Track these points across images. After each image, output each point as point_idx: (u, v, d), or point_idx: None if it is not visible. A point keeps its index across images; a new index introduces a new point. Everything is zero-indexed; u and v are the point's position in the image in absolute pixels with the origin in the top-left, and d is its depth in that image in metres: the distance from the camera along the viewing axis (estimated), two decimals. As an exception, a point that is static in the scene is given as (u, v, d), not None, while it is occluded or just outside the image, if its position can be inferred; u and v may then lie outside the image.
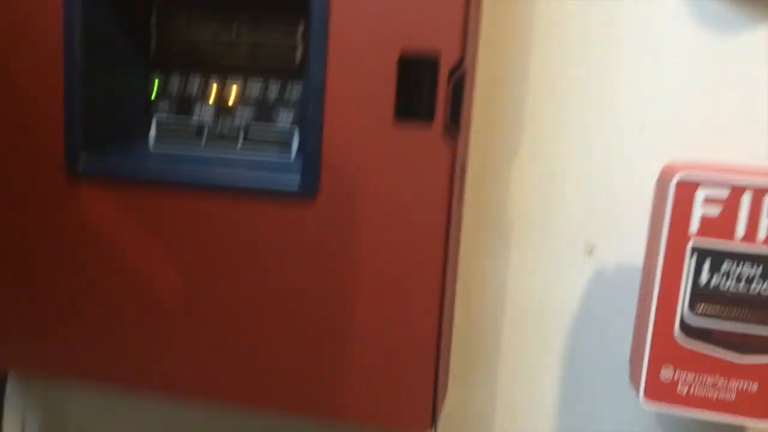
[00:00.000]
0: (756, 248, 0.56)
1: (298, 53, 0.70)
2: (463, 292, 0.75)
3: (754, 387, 0.57)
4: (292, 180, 0.65)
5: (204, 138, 0.73)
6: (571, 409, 0.75)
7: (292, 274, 0.66)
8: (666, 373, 0.58)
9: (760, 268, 0.56)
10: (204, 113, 0.73)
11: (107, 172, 0.68)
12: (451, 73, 0.60)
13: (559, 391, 0.75)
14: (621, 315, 0.71)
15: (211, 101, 0.72)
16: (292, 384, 0.68)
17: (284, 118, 0.71)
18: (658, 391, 0.59)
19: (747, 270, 0.56)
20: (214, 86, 0.72)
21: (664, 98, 0.68)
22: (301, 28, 0.69)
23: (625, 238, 0.70)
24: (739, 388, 0.57)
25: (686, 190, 0.56)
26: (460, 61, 0.60)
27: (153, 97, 0.73)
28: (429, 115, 0.61)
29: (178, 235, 0.68)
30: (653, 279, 0.58)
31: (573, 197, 0.71)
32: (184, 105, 0.73)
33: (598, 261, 0.71)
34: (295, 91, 0.71)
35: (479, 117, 0.72)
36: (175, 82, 0.73)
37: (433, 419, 0.67)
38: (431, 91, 0.61)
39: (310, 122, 0.64)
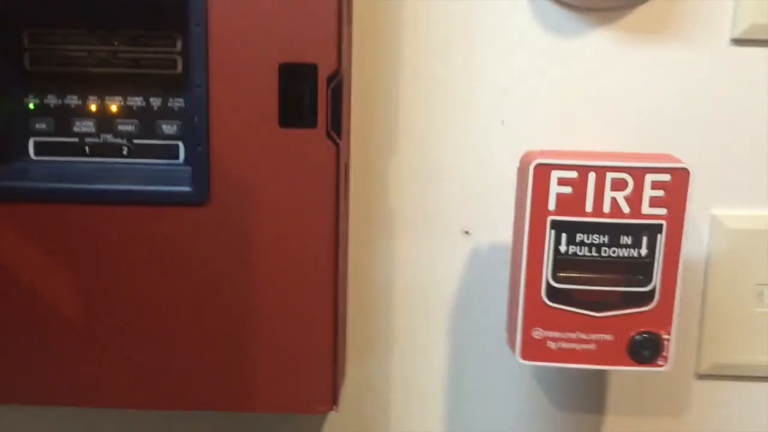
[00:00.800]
0: (602, 219, 0.65)
1: (178, 66, 0.71)
2: (355, 280, 0.80)
3: (609, 337, 0.67)
4: (182, 187, 0.67)
5: (87, 150, 0.73)
6: (460, 375, 0.83)
7: (191, 277, 0.68)
8: (537, 333, 0.67)
9: (607, 236, 0.65)
10: (84, 127, 0.73)
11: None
12: (329, 81, 0.65)
13: (449, 361, 0.82)
14: (495, 287, 0.79)
15: (90, 115, 0.73)
16: (199, 383, 0.71)
17: (168, 130, 0.73)
18: (532, 349, 0.67)
19: (596, 239, 0.65)
20: (93, 102, 0.72)
21: (520, 95, 0.76)
22: (179, 43, 0.71)
23: (496, 220, 0.78)
24: (598, 339, 0.67)
25: (543, 173, 0.65)
26: (337, 70, 0.65)
27: (30, 115, 0.72)
28: (311, 122, 0.65)
29: (68, 249, 0.68)
30: (521, 253, 0.66)
31: (448, 186, 0.78)
32: (63, 122, 0.73)
33: (474, 242, 0.79)
34: (176, 103, 0.72)
35: (358, 117, 0.77)
36: (51, 100, 0.72)
37: (334, 400, 0.72)
38: (312, 99, 0.65)
39: (197, 131, 0.66)
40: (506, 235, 0.75)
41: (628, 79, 0.75)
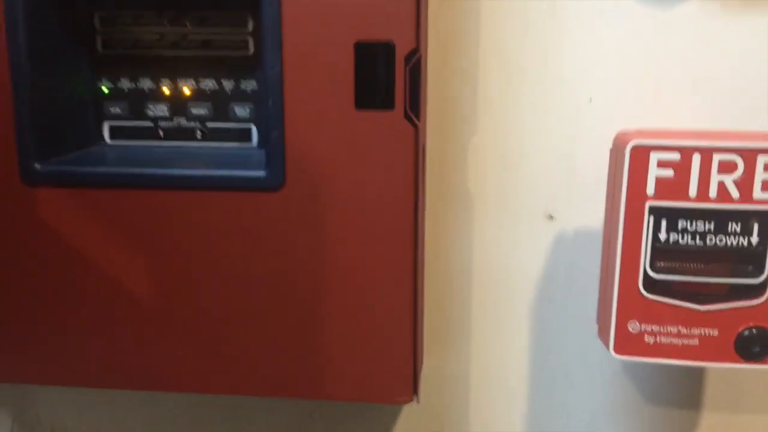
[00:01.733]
0: (708, 205, 0.59)
1: (250, 48, 0.69)
2: (431, 266, 0.77)
3: (714, 332, 0.61)
4: (257, 172, 0.65)
5: (161, 133, 0.72)
6: (542, 365, 0.79)
7: (266, 263, 0.67)
8: (633, 327, 0.62)
9: (713, 223, 0.60)
10: (158, 111, 0.72)
11: (64, 178, 0.66)
12: (407, 59, 0.61)
13: (530, 350, 0.79)
14: (582, 275, 0.74)
15: (163, 99, 0.71)
16: (275, 369, 0.69)
17: (241, 113, 0.71)
18: (626, 343, 0.63)
19: (701, 226, 0.60)
20: (166, 85, 0.71)
21: (609, 69, 0.70)
22: (251, 23, 0.68)
23: (583, 204, 0.73)
24: (701, 334, 0.62)
25: (640, 155, 0.59)
26: (416, 49, 0.61)
27: (104, 99, 0.71)
28: (388, 103, 0.62)
29: (143, 234, 0.67)
30: (615, 240, 0.62)
31: (530, 168, 0.74)
32: (137, 104, 0.72)
33: (558, 227, 0.75)
34: (249, 86, 0.70)
35: (433, 97, 0.73)
36: (125, 83, 0.71)
37: (415, 389, 0.69)
38: (389, 79, 0.61)
39: (272, 115, 0.63)
40: (594, 220, 0.71)
41: (731, 51, 0.68)
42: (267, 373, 0.70)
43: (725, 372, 0.76)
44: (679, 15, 0.69)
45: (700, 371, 0.77)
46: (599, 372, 0.79)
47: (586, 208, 0.73)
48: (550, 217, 0.75)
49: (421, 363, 0.77)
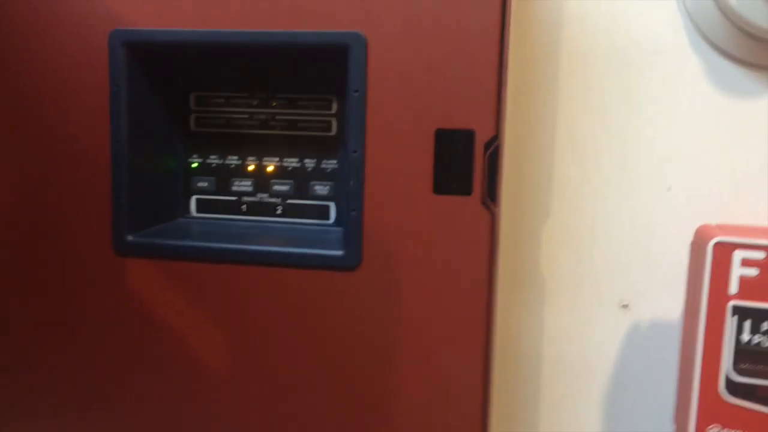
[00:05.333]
0: (795, 307, 0.57)
1: (333, 129, 0.72)
2: (501, 350, 0.77)
3: (801, 442, 0.58)
4: (335, 252, 0.67)
5: (244, 208, 0.75)
6: (613, 461, 0.76)
7: (340, 342, 0.68)
8: (713, 431, 0.60)
9: (800, 326, 0.57)
10: (242, 187, 0.75)
11: (153, 251, 0.70)
12: (486, 147, 0.63)
13: (600, 444, 0.76)
14: (657, 368, 0.72)
15: (248, 175, 0.75)
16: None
17: (320, 191, 0.73)
18: (706, 448, 0.60)
19: (787, 328, 0.58)
20: (251, 162, 0.74)
21: (688, 159, 0.70)
22: (335, 105, 0.72)
23: (659, 294, 0.72)
24: (787, 443, 0.59)
25: (724, 252, 0.58)
26: (495, 136, 0.62)
27: (192, 174, 0.75)
28: (466, 189, 0.63)
29: (223, 307, 0.69)
30: (695, 339, 0.60)
31: (605, 254, 0.73)
32: (223, 179, 0.75)
33: (633, 317, 0.73)
34: (329, 165, 0.73)
35: (509, 179, 0.74)
36: (213, 159, 0.75)
37: (481, 481, 0.68)
38: (468, 165, 0.63)
39: (352, 195, 0.66)
40: (671, 312, 0.69)
41: (818, 144, 0.68)
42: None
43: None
44: (760, 107, 0.68)
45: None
46: (674, 470, 0.75)
47: (662, 298, 0.72)
48: (625, 306, 0.73)
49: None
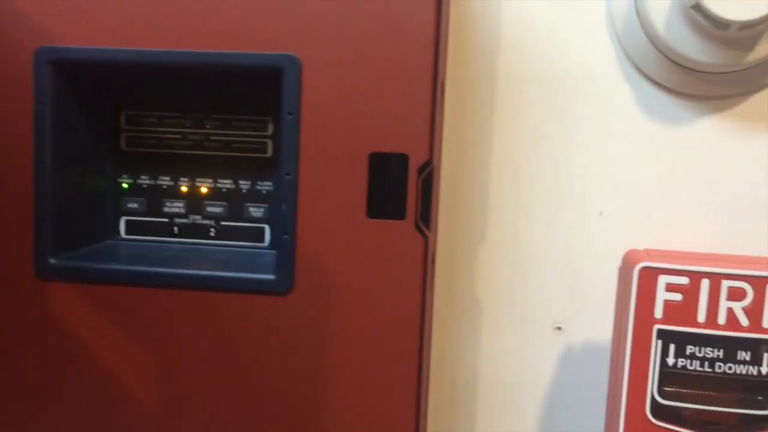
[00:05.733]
0: (716, 332, 0.59)
1: (269, 150, 0.71)
2: (437, 374, 0.76)
3: (723, 464, 0.60)
4: (266, 276, 0.66)
5: (176, 230, 0.73)
6: (548, 483, 0.77)
7: (271, 366, 0.66)
8: (641, 454, 0.61)
9: (722, 350, 0.59)
10: (174, 208, 0.73)
11: (77, 275, 0.67)
12: (420, 171, 0.63)
13: (536, 466, 0.77)
14: (591, 387, 0.73)
15: (181, 196, 0.73)
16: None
17: (255, 213, 0.72)
18: (633, 471, 0.61)
19: (710, 352, 0.59)
20: (184, 183, 0.73)
21: (619, 185, 0.72)
22: (270, 127, 0.71)
23: (592, 317, 0.73)
24: (710, 466, 0.60)
25: (649, 277, 0.60)
26: (429, 161, 0.63)
27: (123, 193, 0.73)
28: (400, 213, 0.63)
29: (152, 332, 0.67)
30: (623, 362, 0.61)
31: (539, 278, 0.74)
32: (154, 201, 0.73)
33: (566, 339, 0.74)
34: (264, 187, 0.72)
35: (444, 204, 0.74)
36: (144, 180, 0.73)
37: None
38: (401, 189, 0.63)
39: (284, 219, 0.65)
40: (604, 334, 0.70)
41: (743, 171, 0.70)
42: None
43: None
44: (692, 134, 0.70)
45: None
46: (607, 491, 0.76)
47: (595, 321, 0.73)
48: (559, 329, 0.74)
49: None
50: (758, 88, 0.68)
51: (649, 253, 0.62)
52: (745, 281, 0.58)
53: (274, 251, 0.71)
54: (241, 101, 0.71)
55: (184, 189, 0.73)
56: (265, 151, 0.72)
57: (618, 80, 0.70)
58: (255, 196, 0.72)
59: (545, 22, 0.70)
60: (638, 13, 0.66)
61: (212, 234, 0.73)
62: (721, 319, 0.59)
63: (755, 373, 0.59)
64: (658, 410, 0.60)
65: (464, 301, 0.76)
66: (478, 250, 0.75)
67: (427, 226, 0.64)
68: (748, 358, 0.59)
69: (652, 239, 0.71)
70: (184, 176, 0.73)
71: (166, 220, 0.73)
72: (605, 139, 0.72)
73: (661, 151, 0.71)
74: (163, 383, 0.68)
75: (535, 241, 0.74)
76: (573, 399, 0.75)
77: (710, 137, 0.70)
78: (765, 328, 0.58)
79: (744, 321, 0.58)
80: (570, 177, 0.73)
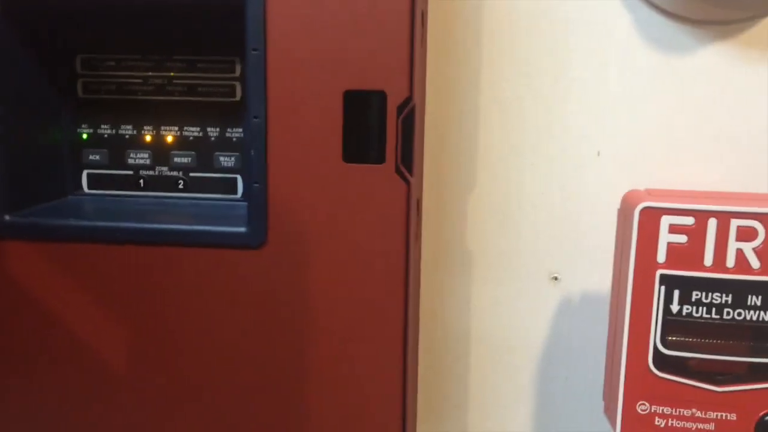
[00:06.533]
0: (725, 275, 0.54)
1: (237, 94, 0.66)
2: (427, 329, 0.72)
3: (732, 417, 0.56)
4: (237, 228, 0.61)
5: (142, 183, 0.68)
6: (545, 440, 0.73)
7: (247, 324, 0.63)
8: (642, 407, 0.57)
9: (730, 296, 0.54)
10: (139, 160, 0.68)
11: (35, 232, 0.63)
12: (399, 110, 0.57)
13: (532, 422, 0.73)
14: (590, 341, 0.69)
15: (145, 146, 0.68)
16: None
17: (226, 163, 0.67)
18: (635, 425, 0.57)
19: (717, 298, 0.55)
20: (148, 132, 0.68)
21: (617, 122, 0.66)
22: (238, 68, 0.65)
23: (590, 265, 0.68)
24: (718, 418, 0.56)
25: (651, 219, 0.55)
26: (409, 98, 0.57)
27: (83, 146, 0.68)
28: (379, 157, 0.58)
29: (117, 291, 0.63)
30: (623, 311, 0.57)
31: (533, 226, 0.69)
32: (117, 153, 0.68)
33: (563, 289, 0.70)
34: (235, 134, 0.67)
35: (431, 149, 0.69)
36: (105, 130, 0.68)
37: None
38: (380, 131, 0.58)
39: (254, 167, 0.60)
40: (602, 283, 0.66)
41: (749, 103, 0.64)
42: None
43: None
44: (698, 64, 0.65)
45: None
46: (607, 447, 0.73)
47: (593, 269, 0.69)
48: (555, 279, 0.70)
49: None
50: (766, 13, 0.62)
51: (651, 193, 0.58)
52: (756, 219, 0.53)
53: (246, 203, 0.66)
54: (206, 39, 0.65)
55: (148, 138, 0.68)
56: (233, 94, 0.66)
57: (615, 5, 0.65)
58: (225, 144, 0.67)
59: (536, -56, 0.64)
60: (638, -71, 0.60)
61: (181, 186, 0.68)
62: (730, 261, 0.54)
63: (766, 318, 0.54)
64: (661, 361, 0.56)
65: (454, 253, 0.71)
66: (467, 197, 0.70)
67: (410, 171, 0.59)
68: (759, 303, 0.54)
69: (655, 180, 0.66)
70: (148, 124, 0.68)
71: (130, 172, 0.68)
72: (602, 72, 0.66)
73: (664, 83, 0.65)
74: (129, 344, 0.64)
75: (528, 187, 0.69)
76: (571, 353, 0.71)
77: (717, 66, 0.64)
78: (777, 271, 0.54)
79: (755, 263, 0.54)
80: (564, 115, 0.68)
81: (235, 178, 0.68)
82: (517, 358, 0.72)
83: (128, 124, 0.68)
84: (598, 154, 0.67)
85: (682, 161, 0.66)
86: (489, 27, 0.67)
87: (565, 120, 0.68)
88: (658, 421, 0.57)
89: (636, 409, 0.57)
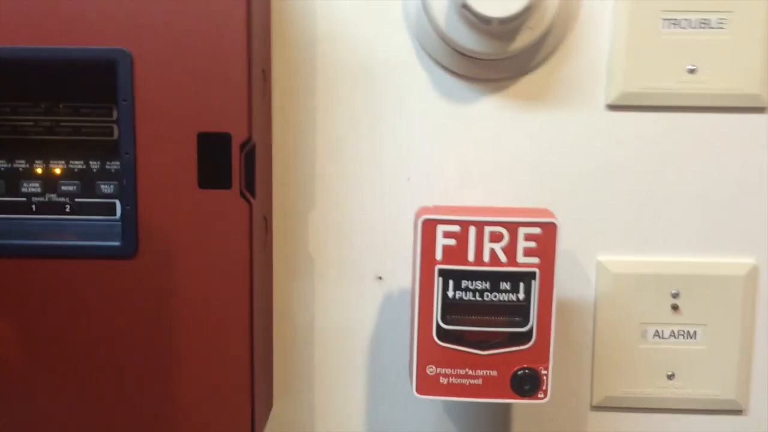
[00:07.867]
0: (483, 268, 0.73)
1: (114, 133, 0.80)
2: (280, 322, 0.88)
3: (494, 373, 0.74)
4: (114, 243, 0.75)
5: (33, 208, 0.81)
6: (376, 409, 0.90)
7: (123, 321, 0.76)
8: (430, 370, 0.75)
9: (488, 283, 0.73)
10: (31, 188, 0.81)
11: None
12: (242, 147, 0.74)
13: (367, 397, 0.90)
14: (405, 328, 0.87)
15: (36, 177, 0.81)
16: (127, 426, 0.78)
17: (106, 190, 0.81)
18: (426, 385, 0.75)
19: (479, 285, 0.73)
20: (40, 166, 0.81)
21: (423, 154, 0.85)
22: (114, 112, 0.80)
23: (405, 267, 0.86)
24: (484, 375, 0.74)
25: (430, 227, 0.73)
26: (249, 138, 0.74)
27: (-20, 179, 0.80)
28: (226, 184, 0.74)
29: (15, 298, 0.75)
30: (414, 297, 0.74)
31: (361, 237, 0.87)
32: (12, 182, 0.81)
33: (386, 287, 0.87)
34: (113, 166, 0.81)
35: (279, 177, 0.86)
36: (1, 164, 0.81)
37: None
38: (226, 163, 0.74)
39: (126, 193, 0.74)
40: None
41: (516, 140, 0.85)
42: (122, 428, 0.78)
43: (528, 407, 0.89)
44: (478, 111, 0.84)
45: (507, 408, 0.89)
46: (426, 414, 0.90)
47: (408, 270, 0.86)
48: (380, 278, 0.87)
49: (268, 410, 0.87)
50: (525, 72, 0.83)
51: (434, 209, 0.76)
52: (502, 226, 0.72)
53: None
54: (88, 90, 0.80)
55: (39, 171, 0.81)
56: (111, 134, 0.81)
57: (416, 67, 0.84)
58: (105, 175, 0.81)
59: (353, 17, 0.83)
60: (425, 10, 0.79)
61: (68, 210, 0.82)
62: (486, 257, 0.73)
63: (515, 299, 0.74)
64: (443, 334, 0.74)
65: (299, 261, 0.87)
66: (309, 215, 0.87)
67: (252, 194, 0.76)
68: (508, 287, 0.73)
69: (450, 198, 0.85)
70: (39, 159, 0.81)
71: (24, 199, 0.81)
72: (409, 117, 0.85)
73: (454, 125, 0.85)
74: (23, 346, 0.76)
75: (357, 206, 0.87)
76: (393, 336, 0.88)
77: (491, 113, 0.84)
78: (519, 263, 0.73)
79: (503, 258, 0.73)
80: (382, 151, 0.86)
81: (114, 203, 0.82)
82: (352, 342, 0.88)
83: (21, 159, 0.81)
84: (408, 179, 0.86)
85: (468, 184, 0.85)
86: (322, 80, 0.84)
87: (383, 154, 0.85)
88: (442, 380, 0.74)
89: (426, 372, 0.74)
